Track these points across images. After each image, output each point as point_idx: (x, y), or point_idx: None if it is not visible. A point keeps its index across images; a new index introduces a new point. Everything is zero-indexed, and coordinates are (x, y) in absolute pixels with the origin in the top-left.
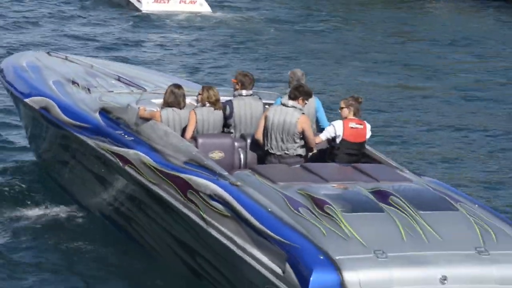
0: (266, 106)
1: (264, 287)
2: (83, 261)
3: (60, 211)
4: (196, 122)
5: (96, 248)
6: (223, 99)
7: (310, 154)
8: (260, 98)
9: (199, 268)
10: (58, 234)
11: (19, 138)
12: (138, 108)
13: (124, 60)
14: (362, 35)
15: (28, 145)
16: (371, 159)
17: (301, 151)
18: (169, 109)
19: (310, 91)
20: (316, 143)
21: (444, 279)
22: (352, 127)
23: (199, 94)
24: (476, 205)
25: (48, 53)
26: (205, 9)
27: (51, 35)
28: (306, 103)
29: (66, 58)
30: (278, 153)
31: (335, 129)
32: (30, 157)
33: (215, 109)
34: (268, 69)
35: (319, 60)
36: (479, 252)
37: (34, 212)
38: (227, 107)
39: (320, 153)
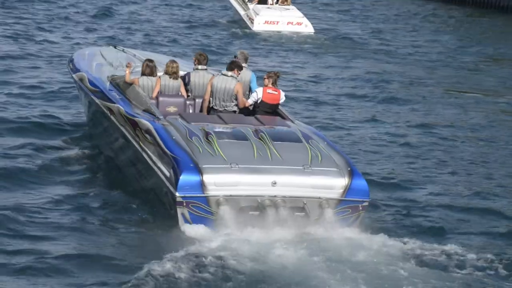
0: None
1: (162, 188)
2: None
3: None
4: (160, 86)
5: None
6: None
7: (247, 111)
8: (219, 73)
9: (140, 180)
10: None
11: None
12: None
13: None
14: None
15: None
16: (279, 115)
17: (236, 108)
18: (145, 77)
19: (241, 64)
20: (247, 106)
21: (274, 183)
22: (269, 93)
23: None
24: (326, 142)
25: (114, 46)
26: (309, 30)
27: (161, 40)
28: (239, 73)
29: (122, 50)
30: (220, 109)
31: (257, 94)
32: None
33: (174, 78)
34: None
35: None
36: (304, 167)
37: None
38: (186, 77)
39: (250, 111)
